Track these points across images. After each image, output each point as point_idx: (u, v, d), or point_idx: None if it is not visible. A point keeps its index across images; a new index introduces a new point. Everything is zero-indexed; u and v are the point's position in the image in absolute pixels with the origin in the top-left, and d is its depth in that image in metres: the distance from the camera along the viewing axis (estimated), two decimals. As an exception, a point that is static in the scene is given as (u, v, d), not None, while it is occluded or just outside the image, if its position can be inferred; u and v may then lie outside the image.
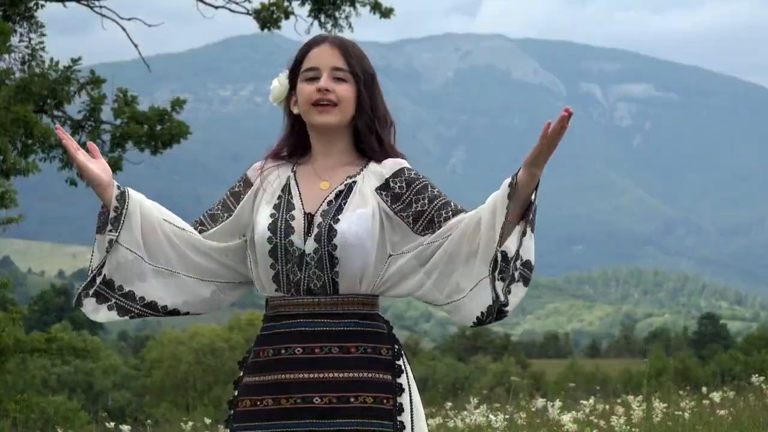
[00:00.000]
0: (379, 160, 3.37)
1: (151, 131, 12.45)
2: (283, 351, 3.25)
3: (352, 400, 3.21)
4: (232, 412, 3.32)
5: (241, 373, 3.35)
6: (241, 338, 48.44)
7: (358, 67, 3.33)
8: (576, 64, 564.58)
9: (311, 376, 3.22)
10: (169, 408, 33.77)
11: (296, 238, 3.25)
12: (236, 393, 3.33)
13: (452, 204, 3.30)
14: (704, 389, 10.20)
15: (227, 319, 57.63)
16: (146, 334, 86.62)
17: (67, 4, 13.27)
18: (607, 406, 9.38)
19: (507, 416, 7.96)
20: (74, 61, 12.12)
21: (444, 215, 3.28)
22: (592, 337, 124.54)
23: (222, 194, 3.45)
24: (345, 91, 3.31)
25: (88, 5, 13.53)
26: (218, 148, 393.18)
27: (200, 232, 3.39)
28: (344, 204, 3.28)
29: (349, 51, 3.34)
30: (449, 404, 10.23)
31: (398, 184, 3.33)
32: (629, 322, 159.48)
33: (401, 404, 3.25)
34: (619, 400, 10.22)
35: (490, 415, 7.96)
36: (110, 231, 3.28)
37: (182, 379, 47.80)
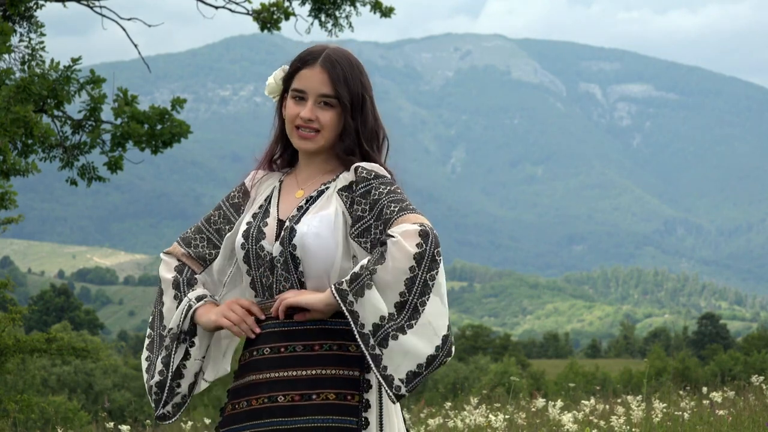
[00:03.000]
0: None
1: (151, 131, 12.43)
2: (254, 353, 3.31)
3: (314, 397, 3.23)
4: (221, 418, 3.40)
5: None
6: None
7: (345, 93, 3.31)
8: (576, 64, 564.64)
9: (277, 375, 3.26)
10: (169, 408, 33.75)
11: (266, 243, 3.33)
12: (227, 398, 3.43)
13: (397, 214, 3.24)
14: (704, 389, 10.20)
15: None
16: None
17: (67, 4, 13.26)
18: (607, 406, 9.38)
19: (507, 416, 7.96)
20: (74, 60, 12.09)
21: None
22: (592, 337, 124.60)
23: (220, 200, 3.51)
24: (328, 119, 3.32)
25: (88, 5, 13.51)
26: (218, 148, 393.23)
27: (208, 263, 3.48)
28: (310, 207, 3.32)
29: (338, 75, 3.31)
30: (449, 404, 10.22)
31: (359, 191, 3.30)
32: (629, 322, 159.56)
33: (368, 400, 3.25)
34: (619, 400, 10.22)
35: (490, 415, 7.96)
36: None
37: (182, 379, 47.80)
